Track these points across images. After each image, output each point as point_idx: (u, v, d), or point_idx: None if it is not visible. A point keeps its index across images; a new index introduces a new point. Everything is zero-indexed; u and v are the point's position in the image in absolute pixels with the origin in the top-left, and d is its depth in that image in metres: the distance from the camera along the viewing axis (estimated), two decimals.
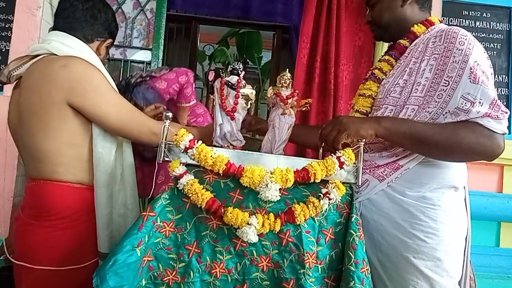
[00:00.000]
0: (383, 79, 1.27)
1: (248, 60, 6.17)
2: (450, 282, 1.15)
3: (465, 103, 1.06)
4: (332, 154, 1.14)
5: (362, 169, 1.21)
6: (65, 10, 1.27)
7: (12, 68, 1.23)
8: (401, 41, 1.28)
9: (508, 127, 2.58)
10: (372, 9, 1.35)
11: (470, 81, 1.06)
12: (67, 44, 1.22)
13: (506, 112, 1.06)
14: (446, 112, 1.09)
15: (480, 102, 1.05)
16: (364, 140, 1.12)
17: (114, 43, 1.47)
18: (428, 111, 1.11)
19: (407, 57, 1.24)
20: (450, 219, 1.16)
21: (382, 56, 1.34)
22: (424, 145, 1.08)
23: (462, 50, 1.09)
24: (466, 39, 1.11)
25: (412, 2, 1.29)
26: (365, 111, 1.28)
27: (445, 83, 1.09)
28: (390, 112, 1.19)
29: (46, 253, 1.17)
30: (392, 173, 1.18)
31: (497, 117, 1.05)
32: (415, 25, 1.27)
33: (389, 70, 1.27)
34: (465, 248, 1.21)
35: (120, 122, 1.20)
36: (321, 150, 1.36)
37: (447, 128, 1.07)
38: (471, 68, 1.07)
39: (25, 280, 1.21)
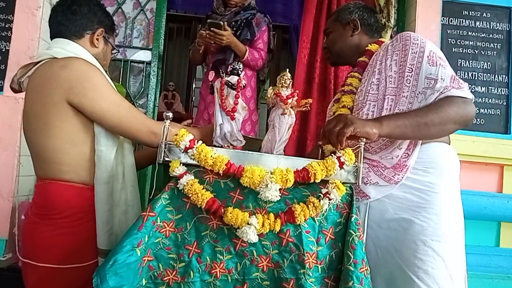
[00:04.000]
0: (356, 89, 1.40)
1: None
2: (459, 260, 1.22)
3: (429, 82, 1.21)
4: (332, 154, 1.14)
5: (369, 168, 1.23)
6: (51, 19, 1.31)
7: (20, 75, 1.28)
8: (361, 58, 1.44)
9: (508, 126, 2.58)
10: (327, 37, 1.56)
11: (430, 64, 1.23)
12: (68, 49, 1.25)
13: (464, 83, 1.22)
14: (418, 94, 1.23)
15: (442, 78, 1.20)
16: (364, 140, 1.12)
17: (115, 44, 1.46)
18: (404, 96, 1.25)
19: (372, 64, 1.38)
20: (454, 203, 1.25)
21: (348, 75, 1.47)
22: (422, 126, 1.17)
23: (417, 44, 1.27)
24: (418, 36, 1.29)
25: (360, 32, 1.49)
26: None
27: (409, 70, 1.26)
28: (374, 107, 1.30)
29: (49, 251, 1.19)
30: (403, 175, 1.23)
31: (459, 87, 1.20)
32: (369, 45, 1.45)
33: (358, 83, 1.41)
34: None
35: (119, 120, 1.21)
36: (320, 150, 1.37)
37: (432, 106, 1.19)
38: (428, 56, 1.24)
39: (30, 277, 1.24)
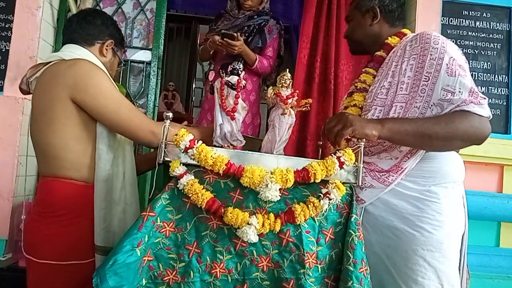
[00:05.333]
0: (369, 87, 1.34)
1: None
2: (453, 271, 1.20)
3: (446, 94, 1.15)
4: (332, 154, 1.14)
5: (366, 172, 1.22)
6: (65, 28, 1.40)
7: (29, 75, 1.33)
8: (378, 53, 1.37)
9: (508, 126, 2.57)
10: (348, 25, 1.51)
11: (448, 74, 1.16)
12: (77, 53, 1.31)
13: (485, 98, 1.15)
14: (432, 105, 1.17)
15: (460, 91, 1.14)
16: (364, 140, 1.12)
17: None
18: (417, 106, 1.18)
19: (387, 63, 1.32)
20: (453, 213, 1.21)
21: (363, 69, 1.41)
22: (425, 138, 1.13)
23: (437, 49, 1.19)
24: (439, 39, 1.22)
25: (380, 21, 1.40)
26: None
27: (426, 79, 1.18)
28: (380, 112, 1.25)
29: (49, 248, 1.21)
30: (397, 177, 1.21)
31: (479, 102, 1.13)
32: (389, 37, 1.37)
33: (372, 81, 1.35)
34: (462, 239, 1.26)
35: (119, 117, 1.23)
36: (320, 150, 1.36)
37: (442, 118, 1.13)
38: (447, 64, 1.17)
39: (32, 274, 1.27)
